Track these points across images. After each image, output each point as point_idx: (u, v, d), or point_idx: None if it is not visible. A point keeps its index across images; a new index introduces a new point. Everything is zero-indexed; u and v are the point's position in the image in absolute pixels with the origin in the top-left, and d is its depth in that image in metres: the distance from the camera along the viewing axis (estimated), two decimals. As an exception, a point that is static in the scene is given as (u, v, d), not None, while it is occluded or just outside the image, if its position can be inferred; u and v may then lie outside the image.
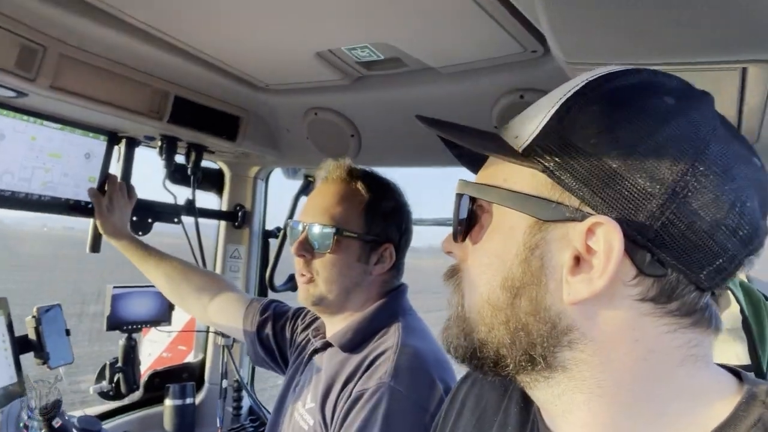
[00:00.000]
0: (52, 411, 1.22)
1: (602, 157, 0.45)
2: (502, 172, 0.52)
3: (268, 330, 1.37)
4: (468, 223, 0.54)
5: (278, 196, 2.34)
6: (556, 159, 0.47)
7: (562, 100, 0.49)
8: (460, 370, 0.70)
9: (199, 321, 1.54)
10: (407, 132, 1.50)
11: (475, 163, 0.59)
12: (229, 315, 1.43)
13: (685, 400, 0.47)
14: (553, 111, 0.49)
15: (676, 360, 0.47)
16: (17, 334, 1.43)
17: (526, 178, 0.50)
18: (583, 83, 0.49)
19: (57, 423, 1.21)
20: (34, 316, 1.55)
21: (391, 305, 1.13)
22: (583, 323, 0.47)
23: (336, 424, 0.98)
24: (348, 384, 1.01)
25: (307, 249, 1.14)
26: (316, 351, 1.18)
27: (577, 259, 0.47)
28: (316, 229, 1.13)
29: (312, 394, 1.09)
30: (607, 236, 0.44)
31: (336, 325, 1.16)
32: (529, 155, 0.49)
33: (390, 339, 1.05)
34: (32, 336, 1.54)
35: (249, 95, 1.57)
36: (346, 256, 1.13)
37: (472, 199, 0.54)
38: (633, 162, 0.44)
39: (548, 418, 0.56)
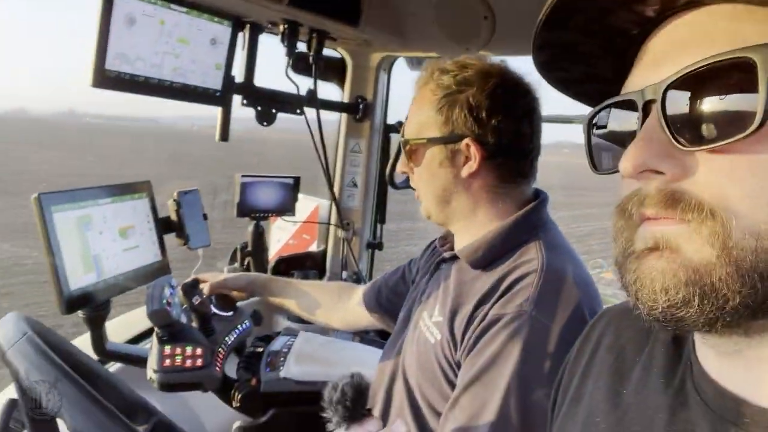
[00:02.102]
0: (192, 289, 1.31)
1: None
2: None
3: (386, 297, 1.40)
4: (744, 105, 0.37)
5: (401, 88, 2.23)
6: None
7: None
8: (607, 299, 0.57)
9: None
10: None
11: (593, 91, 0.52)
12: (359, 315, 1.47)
13: None
14: None
15: None
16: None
17: None
18: None
19: (197, 300, 1.30)
20: (174, 200, 1.65)
21: (530, 219, 1.00)
22: None
23: (466, 345, 0.91)
24: (482, 305, 0.92)
25: (405, 166, 1.09)
26: (444, 260, 1.11)
27: None
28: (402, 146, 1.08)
29: (440, 307, 1.02)
30: None
31: (461, 236, 1.07)
32: None
33: (532, 260, 0.93)
34: (173, 218, 1.65)
35: (373, -28, 1.44)
36: (429, 165, 1.03)
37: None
38: None
39: (727, 364, 0.44)
